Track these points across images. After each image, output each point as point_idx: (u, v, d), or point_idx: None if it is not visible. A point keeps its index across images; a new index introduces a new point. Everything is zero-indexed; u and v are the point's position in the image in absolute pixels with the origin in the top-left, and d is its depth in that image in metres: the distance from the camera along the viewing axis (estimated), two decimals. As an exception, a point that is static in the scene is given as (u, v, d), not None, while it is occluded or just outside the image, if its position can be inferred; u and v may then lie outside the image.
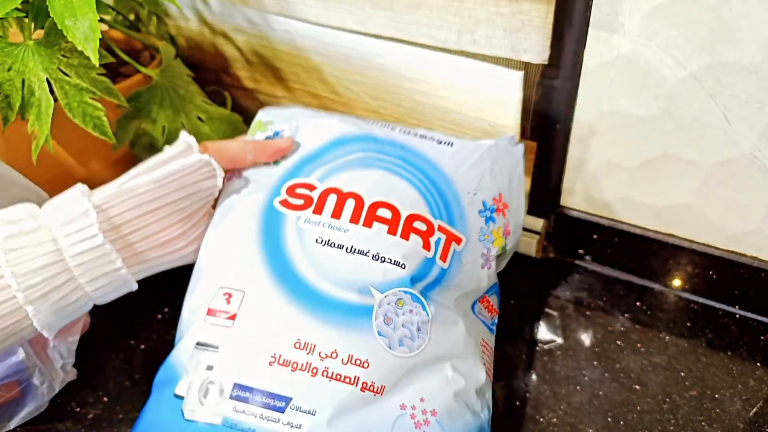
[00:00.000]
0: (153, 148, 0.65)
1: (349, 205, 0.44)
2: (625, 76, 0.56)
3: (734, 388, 0.56)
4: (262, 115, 0.59)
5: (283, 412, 0.38)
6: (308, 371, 0.39)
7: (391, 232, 0.43)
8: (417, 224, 0.43)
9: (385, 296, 0.41)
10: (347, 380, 0.39)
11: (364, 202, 0.44)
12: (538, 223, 0.68)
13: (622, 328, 0.62)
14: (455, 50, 0.61)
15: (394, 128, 0.52)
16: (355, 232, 0.43)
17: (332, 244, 0.43)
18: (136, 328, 0.62)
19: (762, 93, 0.52)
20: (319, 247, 0.43)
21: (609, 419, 0.54)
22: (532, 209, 0.70)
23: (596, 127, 0.61)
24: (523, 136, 0.65)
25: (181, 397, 0.41)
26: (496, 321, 0.50)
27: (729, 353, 0.59)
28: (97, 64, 0.54)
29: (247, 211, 0.48)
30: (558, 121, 0.63)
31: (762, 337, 0.61)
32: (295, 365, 0.39)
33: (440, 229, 0.45)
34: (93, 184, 0.66)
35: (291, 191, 0.47)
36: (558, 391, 0.56)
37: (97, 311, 0.62)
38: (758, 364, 0.58)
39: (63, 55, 0.56)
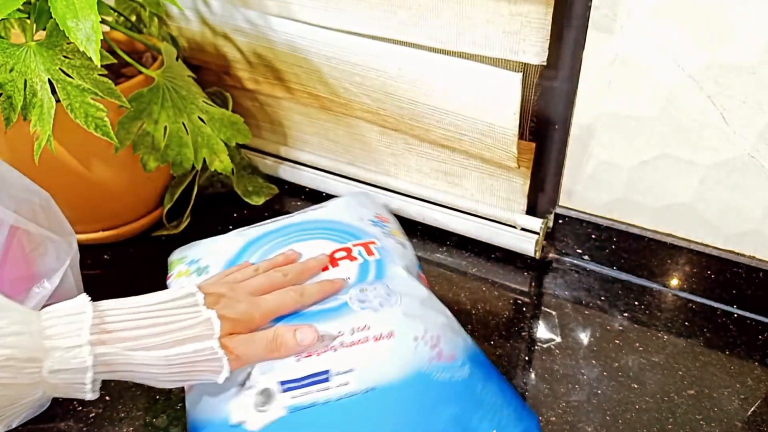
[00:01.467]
0: (154, 149, 0.65)
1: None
2: (624, 77, 0.57)
3: (732, 387, 0.56)
4: (173, 255, 0.61)
5: (328, 381, 0.46)
6: (329, 350, 0.47)
7: (326, 269, 0.55)
8: (338, 254, 0.57)
9: (350, 294, 0.52)
10: (360, 341, 0.48)
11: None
12: (537, 223, 0.68)
13: (620, 328, 0.62)
14: (454, 51, 0.61)
15: (283, 219, 0.64)
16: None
17: None
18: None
19: (760, 93, 0.52)
20: None
21: (607, 418, 0.54)
22: (531, 209, 0.71)
23: (595, 127, 0.61)
24: (522, 136, 0.66)
25: (240, 424, 0.45)
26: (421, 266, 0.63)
27: (727, 352, 0.59)
28: (99, 65, 0.54)
29: None
30: (557, 122, 0.64)
31: (760, 337, 0.61)
32: (317, 353, 0.47)
33: (355, 245, 0.58)
34: (94, 185, 0.67)
35: None
36: (557, 390, 0.56)
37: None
38: (756, 363, 0.58)
39: (65, 56, 0.57)
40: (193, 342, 0.43)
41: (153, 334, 0.42)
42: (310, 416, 0.45)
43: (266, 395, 0.45)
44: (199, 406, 0.48)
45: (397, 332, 0.49)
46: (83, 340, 0.40)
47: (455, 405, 0.47)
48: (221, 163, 0.70)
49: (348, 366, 0.46)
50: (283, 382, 0.46)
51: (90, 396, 0.41)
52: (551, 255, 0.72)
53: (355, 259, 0.56)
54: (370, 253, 0.57)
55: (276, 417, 0.44)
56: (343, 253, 0.57)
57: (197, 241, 0.62)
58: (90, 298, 0.42)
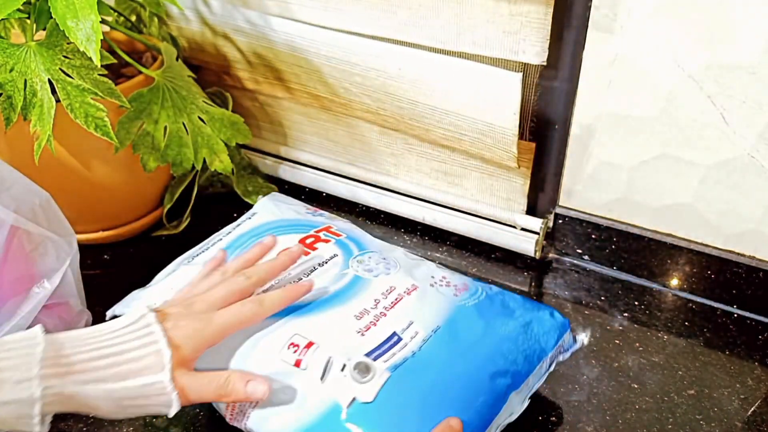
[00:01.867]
0: (155, 149, 0.65)
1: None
2: (624, 77, 0.57)
3: (732, 387, 0.56)
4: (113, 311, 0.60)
5: (401, 339, 0.50)
6: (379, 317, 0.52)
7: (306, 254, 0.58)
8: (308, 240, 0.59)
9: (352, 269, 0.56)
10: (398, 299, 0.53)
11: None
12: (537, 223, 0.68)
13: (620, 328, 0.62)
14: (454, 51, 0.61)
15: (221, 236, 0.63)
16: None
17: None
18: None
19: (760, 93, 0.52)
20: None
21: (607, 417, 0.54)
22: (531, 209, 0.71)
23: (595, 127, 0.61)
24: (522, 136, 0.66)
25: (353, 402, 0.46)
26: None
27: (727, 352, 0.59)
28: (99, 65, 0.54)
29: None
30: (557, 122, 0.64)
31: (760, 337, 0.61)
32: (371, 324, 0.51)
33: (317, 231, 0.61)
34: (94, 185, 0.67)
35: None
36: (556, 390, 0.56)
37: (97, 309, 0.62)
38: (756, 363, 0.58)
39: (65, 56, 0.57)
40: (144, 375, 0.42)
41: (104, 366, 0.42)
42: (410, 368, 0.48)
43: (364, 367, 0.48)
44: (281, 417, 0.47)
45: (417, 284, 0.55)
46: (33, 373, 0.39)
47: (500, 318, 0.53)
48: (221, 163, 0.70)
49: (406, 321, 0.52)
50: (368, 354, 0.49)
51: (38, 429, 0.40)
52: (551, 255, 0.72)
53: (328, 240, 0.60)
54: (336, 234, 0.61)
55: (384, 380, 0.47)
56: (312, 239, 0.60)
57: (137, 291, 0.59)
58: (44, 330, 0.42)
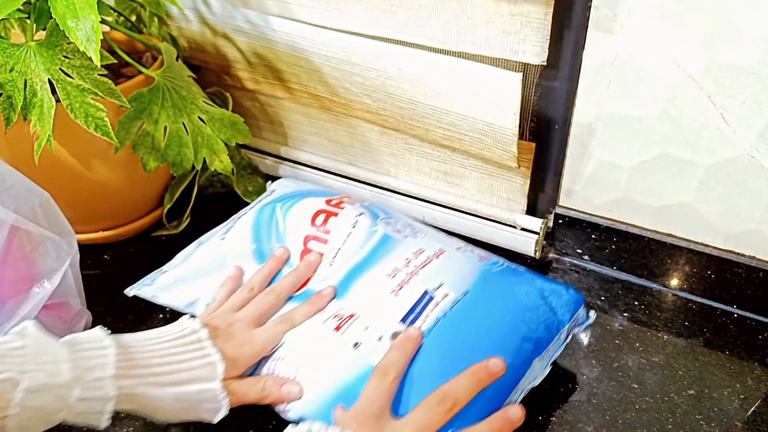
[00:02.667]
0: (155, 149, 0.65)
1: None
2: (624, 77, 0.57)
3: (732, 387, 0.56)
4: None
5: (433, 298, 0.53)
6: (411, 276, 0.55)
7: (325, 242, 0.60)
8: (334, 202, 0.62)
9: (381, 229, 0.60)
10: (428, 260, 0.57)
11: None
12: (537, 223, 0.68)
13: (620, 328, 0.62)
14: (454, 51, 0.61)
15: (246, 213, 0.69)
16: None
17: None
18: (138, 327, 0.62)
19: (760, 93, 0.52)
20: None
21: (607, 417, 0.54)
22: (531, 209, 0.71)
23: (595, 127, 0.61)
24: (522, 136, 0.66)
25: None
26: None
27: (727, 352, 0.59)
28: (99, 65, 0.54)
29: None
30: (557, 122, 0.64)
31: (760, 337, 0.61)
32: (402, 283, 0.55)
33: (343, 197, 0.65)
34: (94, 185, 0.67)
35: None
36: (556, 390, 0.56)
37: (97, 310, 0.62)
38: (756, 363, 0.58)
39: (65, 56, 0.57)
40: (199, 382, 0.47)
41: (166, 372, 0.47)
42: (442, 331, 0.52)
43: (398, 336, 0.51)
44: (321, 375, 0.51)
45: (444, 248, 0.59)
46: (109, 372, 0.44)
47: (523, 287, 0.56)
48: (221, 163, 0.70)
49: (437, 281, 0.55)
50: (403, 319, 0.52)
51: (104, 424, 0.44)
52: (551, 255, 0.72)
53: (353, 203, 0.63)
54: (359, 200, 0.65)
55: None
56: (337, 201, 0.63)
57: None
58: (109, 331, 0.46)
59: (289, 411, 0.51)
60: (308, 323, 0.55)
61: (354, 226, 0.60)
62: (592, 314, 0.58)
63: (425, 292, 0.54)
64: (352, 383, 0.50)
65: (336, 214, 0.61)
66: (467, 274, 0.56)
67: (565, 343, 0.56)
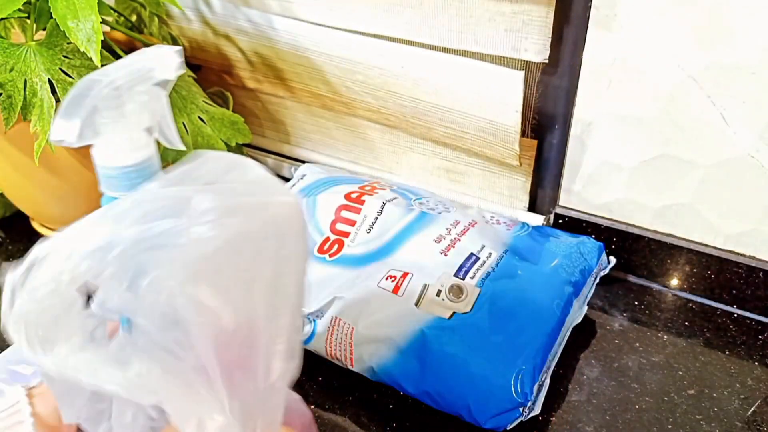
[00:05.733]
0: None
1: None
2: (624, 76, 0.57)
3: (732, 387, 0.56)
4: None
5: (479, 258, 0.59)
6: (455, 241, 0.60)
7: (354, 208, 0.64)
8: (367, 188, 0.66)
9: (416, 207, 0.64)
10: (465, 229, 0.62)
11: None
12: (540, 220, 0.68)
13: (620, 327, 0.62)
14: (456, 50, 0.61)
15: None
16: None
17: None
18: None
19: (760, 94, 0.52)
20: None
21: (607, 417, 0.54)
22: (532, 208, 0.71)
23: (595, 126, 0.61)
24: (524, 134, 0.66)
25: (453, 315, 0.55)
26: None
27: (727, 352, 0.59)
28: (99, 65, 0.54)
29: None
30: (557, 120, 0.64)
31: (760, 337, 0.61)
32: (450, 246, 0.59)
33: (374, 182, 0.69)
34: (94, 184, 0.66)
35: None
36: (556, 390, 0.56)
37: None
38: (756, 363, 0.58)
39: (65, 56, 0.57)
40: None
41: None
42: (494, 281, 0.57)
43: (457, 289, 0.56)
44: (385, 329, 0.54)
45: (475, 221, 0.63)
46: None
47: (554, 241, 0.63)
48: (222, 162, 0.70)
49: (479, 244, 0.60)
50: (456, 273, 0.57)
51: None
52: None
53: (384, 188, 0.67)
54: (385, 187, 0.68)
55: (476, 294, 0.56)
56: (370, 187, 0.67)
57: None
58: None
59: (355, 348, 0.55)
60: (362, 288, 0.57)
61: (390, 201, 0.64)
62: (612, 260, 0.65)
63: (471, 254, 0.59)
64: (419, 335, 0.53)
65: (370, 194, 0.65)
66: (500, 240, 0.62)
67: (594, 285, 0.63)
